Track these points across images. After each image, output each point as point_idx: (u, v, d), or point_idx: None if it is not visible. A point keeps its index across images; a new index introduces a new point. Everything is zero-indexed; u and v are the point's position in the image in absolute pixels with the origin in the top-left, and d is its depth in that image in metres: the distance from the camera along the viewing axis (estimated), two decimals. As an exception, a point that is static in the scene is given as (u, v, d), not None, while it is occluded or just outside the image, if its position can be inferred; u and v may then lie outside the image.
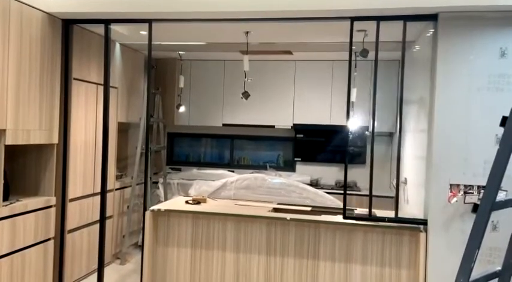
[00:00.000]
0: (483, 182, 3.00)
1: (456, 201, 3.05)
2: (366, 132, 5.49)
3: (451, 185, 3.08)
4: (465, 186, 3.05)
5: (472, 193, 3.02)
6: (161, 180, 5.47)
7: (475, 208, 1.39)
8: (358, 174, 5.59)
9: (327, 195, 4.33)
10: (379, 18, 3.31)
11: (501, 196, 1.49)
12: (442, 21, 3.14)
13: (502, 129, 1.64)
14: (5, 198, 3.30)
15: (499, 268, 1.71)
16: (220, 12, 3.34)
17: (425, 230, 3.18)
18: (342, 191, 5.16)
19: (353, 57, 4.79)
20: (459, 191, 3.05)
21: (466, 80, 3.10)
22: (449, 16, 3.12)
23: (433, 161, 3.14)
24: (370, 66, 5.36)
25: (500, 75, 3.06)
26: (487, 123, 3.04)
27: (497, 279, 1.70)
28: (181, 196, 4.49)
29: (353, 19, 3.34)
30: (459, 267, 1.43)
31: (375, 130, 5.61)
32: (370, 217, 3.40)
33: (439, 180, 3.11)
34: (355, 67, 5.10)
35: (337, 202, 4.21)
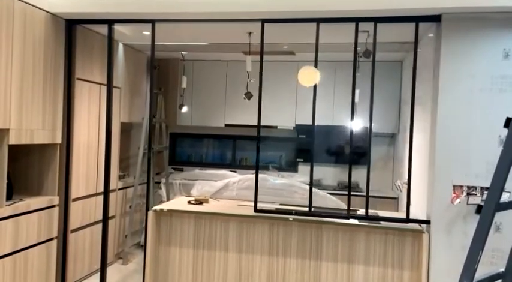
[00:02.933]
0: (486, 183, 3.00)
1: (459, 202, 3.05)
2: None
3: (454, 186, 3.07)
4: (468, 187, 3.05)
5: (475, 194, 3.01)
6: (163, 180, 5.48)
7: (479, 209, 1.38)
8: (360, 175, 5.56)
9: (329, 195, 4.33)
10: (382, 20, 3.31)
11: (505, 197, 1.49)
12: (445, 22, 3.14)
13: (505, 131, 1.64)
14: (8, 198, 3.31)
15: (503, 270, 1.70)
16: (223, 13, 3.34)
17: (428, 231, 3.18)
18: (344, 192, 5.17)
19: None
20: (462, 192, 3.05)
21: (469, 81, 3.09)
22: (452, 17, 3.12)
23: (436, 162, 3.14)
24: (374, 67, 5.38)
25: (503, 77, 3.05)
26: (490, 124, 3.04)
27: (500, 280, 1.70)
28: (184, 196, 4.50)
29: (357, 20, 3.34)
30: (463, 268, 1.43)
31: (378, 131, 5.63)
32: (368, 216, 3.39)
33: (442, 182, 3.11)
34: (358, 68, 5.11)
35: (339, 203, 4.21)
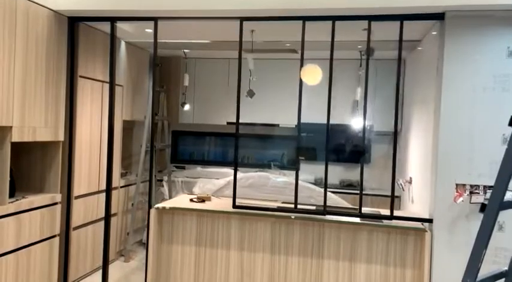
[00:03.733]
0: (489, 182, 3.00)
1: (462, 201, 3.04)
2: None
3: (457, 184, 3.07)
4: (471, 186, 3.04)
5: (478, 193, 3.01)
6: (166, 178, 5.49)
7: (483, 208, 1.38)
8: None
9: (332, 194, 4.32)
10: (385, 18, 3.29)
11: (509, 196, 1.48)
12: (448, 20, 3.13)
13: (509, 129, 1.63)
14: (11, 195, 3.32)
15: (506, 268, 1.70)
16: (225, 10, 3.34)
17: (431, 230, 3.18)
18: (346, 190, 5.18)
19: (357, 57, 4.81)
20: (465, 191, 3.04)
21: (472, 79, 3.08)
22: (456, 15, 3.10)
23: (438, 160, 3.13)
24: (376, 65, 5.37)
25: (507, 75, 3.04)
26: (493, 123, 3.03)
27: (503, 279, 1.70)
28: (186, 194, 4.50)
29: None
30: (466, 266, 1.43)
31: (379, 129, 5.62)
32: (361, 214, 3.41)
33: (444, 180, 3.10)
34: (360, 66, 5.09)
35: (341, 202, 4.20)
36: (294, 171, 5.92)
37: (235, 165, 3.69)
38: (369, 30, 3.33)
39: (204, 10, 3.36)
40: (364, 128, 3.54)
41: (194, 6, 3.33)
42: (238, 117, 3.70)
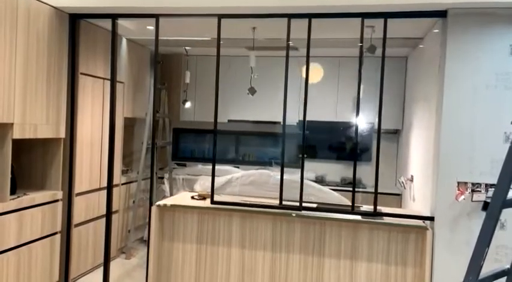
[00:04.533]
0: (491, 180, 2.99)
1: (464, 199, 3.04)
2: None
3: (458, 182, 3.06)
4: (473, 184, 3.04)
5: (480, 191, 3.00)
6: (167, 175, 5.49)
7: (485, 206, 1.37)
8: (363, 171, 5.58)
9: (333, 192, 4.32)
10: (387, 15, 3.28)
11: (511, 194, 1.48)
12: (451, 17, 3.12)
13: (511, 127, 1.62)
14: (12, 192, 3.32)
15: (508, 266, 1.69)
16: (227, 7, 3.33)
17: (432, 228, 3.17)
18: (348, 188, 5.17)
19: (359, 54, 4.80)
20: (467, 189, 3.04)
21: (474, 77, 3.07)
22: (458, 13, 3.09)
23: (440, 158, 3.12)
24: (378, 63, 5.36)
25: (509, 73, 3.03)
26: (495, 121, 3.02)
27: (505, 277, 1.69)
28: (187, 191, 4.50)
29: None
30: (468, 264, 1.42)
31: (381, 127, 5.61)
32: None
33: (446, 178, 3.10)
34: (362, 64, 5.08)
35: (342, 199, 4.20)
36: (295, 169, 5.94)
37: (214, 161, 3.79)
38: (362, 27, 3.32)
39: (205, 7, 3.35)
40: (356, 125, 3.52)
41: (196, 3, 3.32)
42: (216, 114, 3.88)
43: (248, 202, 3.59)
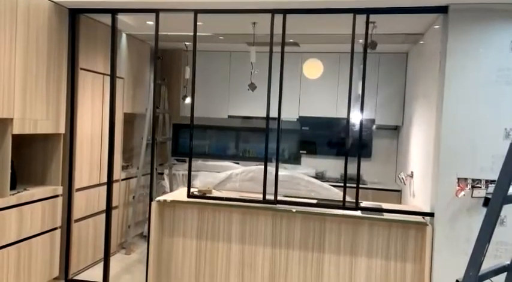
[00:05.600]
0: (491, 176, 2.99)
1: (464, 195, 3.04)
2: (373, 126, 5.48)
3: (458, 178, 3.06)
4: (473, 180, 3.04)
5: (480, 187, 3.00)
6: (166, 171, 5.48)
7: (486, 202, 1.37)
8: (363, 168, 5.57)
9: (333, 188, 4.32)
10: (388, 11, 3.27)
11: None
12: (452, 13, 3.11)
13: (514, 123, 1.62)
14: (12, 188, 3.32)
15: (508, 262, 1.70)
16: (227, 2, 3.32)
17: (432, 224, 3.18)
18: (347, 184, 5.18)
19: (360, 50, 4.78)
20: (467, 185, 3.04)
21: (475, 73, 3.07)
22: (459, 8, 3.08)
23: (440, 155, 3.12)
24: (378, 59, 5.35)
25: (510, 69, 3.03)
26: (496, 117, 3.02)
27: (505, 273, 1.70)
28: (187, 187, 4.49)
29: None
30: (469, 260, 1.43)
31: (381, 123, 5.60)
32: (344, 206, 3.44)
33: (446, 174, 3.10)
34: (363, 59, 5.06)
35: (342, 195, 4.20)
36: (295, 165, 5.94)
37: (190, 155, 3.86)
38: (353, 23, 3.30)
39: (207, 2, 3.34)
40: (348, 120, 3.52)
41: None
42: (192, 108, 3.87)
43: (225, 197, 3.65)
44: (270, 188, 3.92)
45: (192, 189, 4.06)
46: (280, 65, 3.51)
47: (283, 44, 3.50)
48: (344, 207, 3.42)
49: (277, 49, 5.78)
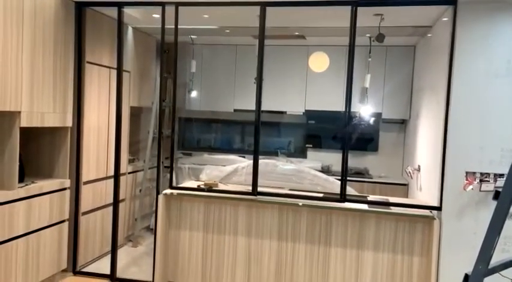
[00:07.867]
0: (500, 170, 2.97)
1: (472, 189, 3.02)
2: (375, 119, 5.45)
3: (466, 172, 3.04)
4: (481, 174, 3.02)
5: (488, 181, 2.98)
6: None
7: (497, 195, 1.36)
8: (370, 161, 5.57)
9: (338, 182, 4.31)
10: (396, 3, 3.24)
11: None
12: (461, 5, 3.07)
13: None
14: (20, 180, 3.34)
15: (517, 256, 1.69)
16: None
17: (439, 218, 3.16)
18: (353, 178, 5.17)
19: (368, 43, 4.75)
20: (475, 179, 3.02)
21: (483, 65, 3.04)
22: (468, 0, 3.04)
23: (448, 148, 3.10)
24: (386, 52, 5.30)
25: (519, 62, 2.99)
26: (505, 110, 2.99)
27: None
28: (193, 181, 4.51)
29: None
30: (478, 253, 1.42)
31: (388, 117, 5.56)
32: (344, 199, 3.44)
33: (454, 168, 3.08)
34: (370, 52, 5.03)
35: (348, 189, 4.19)
36: (301, 159, 5.93)
37: (172, 149, 3.90)
38: (354, 17, 3.27)
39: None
40: (348, 114, 3.51)
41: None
42: (174, 102, 3.95)
43: (213, 188, 3.70)
44: (280, 183, 3.94)
45: (198, 183, 4.07)
46: (257, 58, 3.56)
47: (260, 37, 3.55)
48: (330, 199, 3.45)
49: (284, 42, 5.75)
